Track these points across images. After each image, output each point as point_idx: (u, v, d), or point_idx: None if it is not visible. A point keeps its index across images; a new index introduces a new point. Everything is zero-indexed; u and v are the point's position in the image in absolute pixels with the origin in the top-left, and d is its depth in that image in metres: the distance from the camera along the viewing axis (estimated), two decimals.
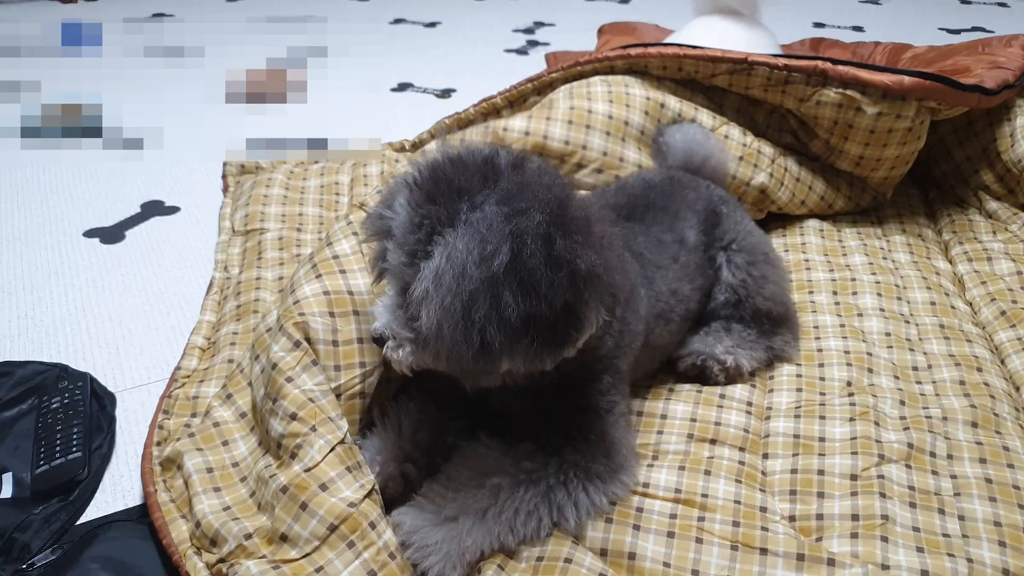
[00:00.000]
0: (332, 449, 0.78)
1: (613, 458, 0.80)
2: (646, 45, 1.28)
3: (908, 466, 0.85)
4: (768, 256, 1.02)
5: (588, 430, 0.80)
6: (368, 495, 0.77)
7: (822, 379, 0.98)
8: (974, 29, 2.71)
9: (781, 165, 1.29)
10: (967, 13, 2.94)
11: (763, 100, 1.30)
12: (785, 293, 1.03)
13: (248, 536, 0.76)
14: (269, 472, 0.80)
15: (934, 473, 0.85)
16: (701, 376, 0.98)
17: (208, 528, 0.78)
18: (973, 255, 1.24)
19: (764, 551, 0.75)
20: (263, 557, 0.74)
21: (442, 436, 0.86)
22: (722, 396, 0.95)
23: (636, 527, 0.78)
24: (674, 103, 1.26)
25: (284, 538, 0.74)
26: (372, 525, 0.76)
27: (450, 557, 0.73)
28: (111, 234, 1.42)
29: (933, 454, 0.87)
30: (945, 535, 0.78)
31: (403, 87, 2.13)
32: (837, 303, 1.11)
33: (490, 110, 1.41)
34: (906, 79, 1.18)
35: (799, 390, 0.97)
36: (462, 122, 1.43)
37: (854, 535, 0.78)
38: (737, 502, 0.81)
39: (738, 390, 0.96)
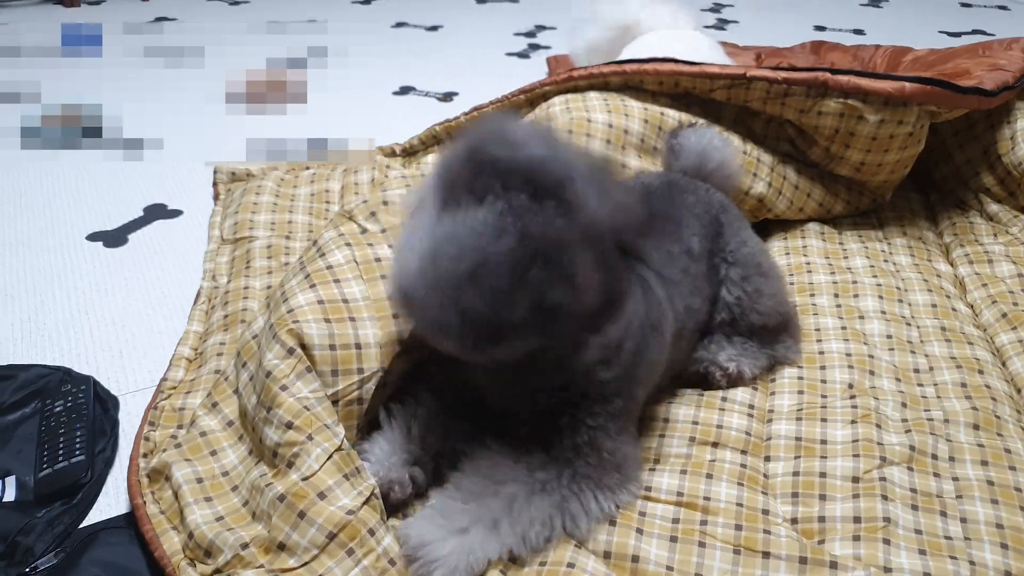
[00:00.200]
0: (329, 457, 0.78)
1: (624, 472, 0.81)
2: (641, 61, 1.27)
3: (910, 468, 0.85)
4: (761, 267, 1.00)
5: (599, 448, 0.79)
6: (367, 501, 0.77)
7: (823, 381, 0.98)
8: (974, 32, 2.72)
9: (780, 173, 1.28)
10: (968, 16, 2.95)
11: (761, 111, 1.29)
12: (782, 303, 1.02)
13: (245, 545, 0.75)
14: (265, 481, 0.79)
15: (936, 475, 0.85)
16: (703, 382, 0.98)
17: (202, 539, 0.77)
18: (974, 257, 1.24)
19: (767, 554, 0.75)
20: (261, 567, 0.74)
21: (448, 440, 0.85)
22: (724, 399, 0.95)
23: (639, 531, 0.78)
24: (673, 113, 1.25)
25: (282, 547, 0.74)
26: (371, 532, 0.76)
27: (457, 570, 0.72)
28: (114, 237, 1.42)
29: (935, 456, 0.87)
30: (947, 537, 0.78)
31: (405, 91, 2.14)
32: (838, 306, 1.11)
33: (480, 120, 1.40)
34: (907, 86, 1.17)
35: (800, 393, 0.97)
36: (452, 130, 1.42)
37: (856, 538, 0.78)
38: (739, 505, 0.81)
39: (740, 393, 0.96)
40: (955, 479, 0.85)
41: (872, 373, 0.98)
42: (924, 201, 1.44)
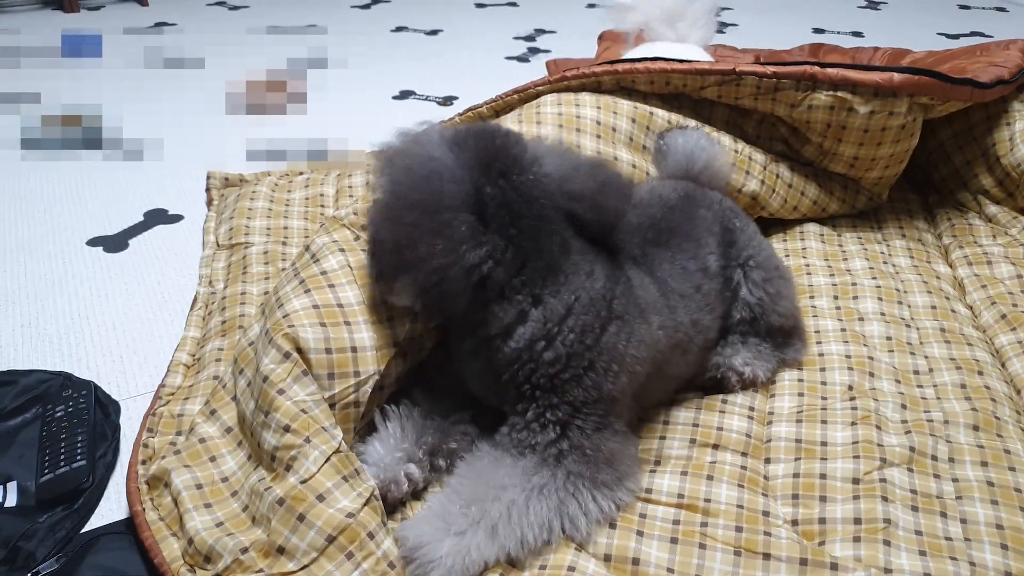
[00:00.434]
0: (327, 459, 0.78)
1: (616, 467, 0.81)
2: (633, 60, 1.27)
3: (910, 470, 0.85)
4: (780, 269, 1.02)
5: (576, 445, 0.80)
6: (366, 503, 0.77)
7: (823, 383, 0.98)
8: (973, 34, 2.72)
9: (773, 172, 1.29)
10: (966, 18, 2.95)
11: (753, 109, 1.29)
12: (796, 306, 1.03)
13: (244, 550, 0.75)
14: (263, 485, 0.79)
15: (936, 476, 0.85)
16: (718, 386, 0.98)
17: (202, 545, 0.77)
18: (973, 259, 1.24)
19: (767, 556, 0.75)
20: (260, 571, 0.74)
21: (444, 440, 0.86)
22: (724, 401, 0.95)
23: (640, 533, 0.78)
24: (662, 112, 1.25)
25: (281, 550, 0.74)
26: (371, 535, 0.76)
27: (453, 571, 0.73)
28: (114, 243, 1.42)
29: (935, 457, 0.88)
30: (947, 538, 0.78)
31: (405, 95, 2.14)
32: (838, 307, 1.11)
33: (475, 119, 1.40)
34: (896, 76, 1.18)
35: (801, 394, 0.97)
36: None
37: (856, 539, 0.78)
38: (740, 507, 0.81)
39: (740, 395, 0.96)
40: (955, 480, 0.85)
41: (872, 375, 0.98)
42: (923, 203, 1.44)
